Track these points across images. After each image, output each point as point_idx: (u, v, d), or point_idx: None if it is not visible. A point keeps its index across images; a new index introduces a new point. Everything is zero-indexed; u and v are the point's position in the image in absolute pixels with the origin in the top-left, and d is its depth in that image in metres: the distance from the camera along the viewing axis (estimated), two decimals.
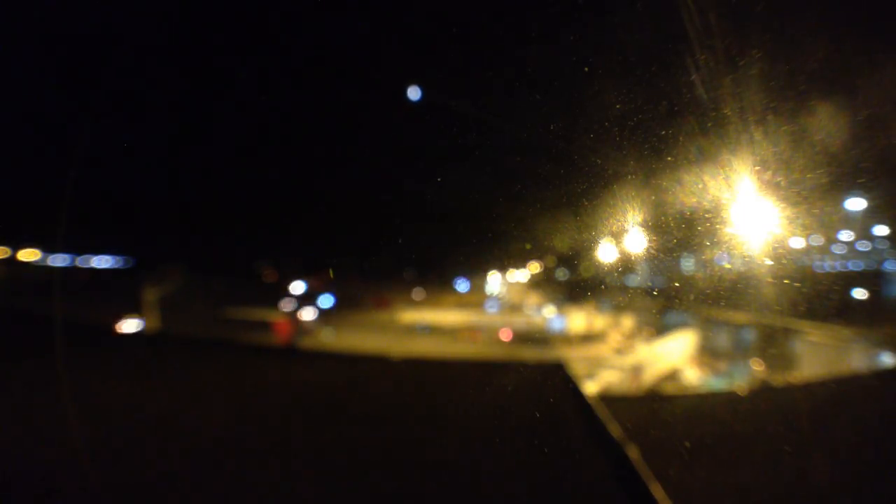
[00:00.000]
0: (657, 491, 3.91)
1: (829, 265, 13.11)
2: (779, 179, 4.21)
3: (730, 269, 5.58)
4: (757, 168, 4.23)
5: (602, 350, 19.61)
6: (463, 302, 24.59)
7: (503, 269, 22.49)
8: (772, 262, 4.82)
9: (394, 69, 6.86)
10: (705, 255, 5.19)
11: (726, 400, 8.14)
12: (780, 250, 4.66)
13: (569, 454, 5.04)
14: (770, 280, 5.19)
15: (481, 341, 19.81)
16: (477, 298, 25.42)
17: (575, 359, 15.27)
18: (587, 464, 4.87)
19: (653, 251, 4.88)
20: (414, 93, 6.33)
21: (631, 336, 19.96)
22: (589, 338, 20.70)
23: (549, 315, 22.81)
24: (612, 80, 4.55)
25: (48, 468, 4.19)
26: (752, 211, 4.30)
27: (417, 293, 22.85)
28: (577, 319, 21.02)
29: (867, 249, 13.48)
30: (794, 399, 6.74)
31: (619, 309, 20.29)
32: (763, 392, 8.88)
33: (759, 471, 4.52)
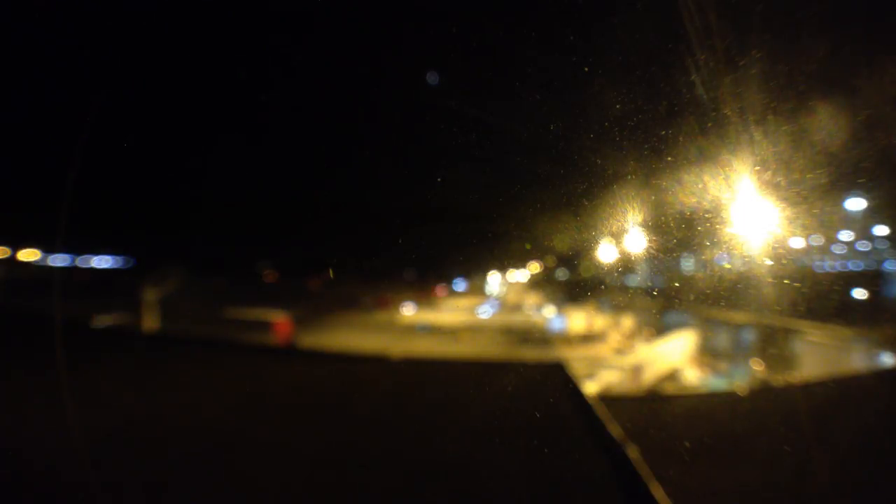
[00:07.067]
0: (657, 491, 3.90)
1: (829, 265, 13.13)
2: (779, 179, 4.21)
3: (730, 269, 5.59)
4: (757, 168, 4.23)
5: (602, 350, 19.61)
6: (463, 302, 24.62)
7: (503, 269, 22.53)
8: (772, 262, 4.82)
9: (393, 70, 6.86)
10: (705, 255, 5.19)
11: (726, 400, 8.13)
12: (780, 250, 4.66)
13: (569, 454, 5.04)
14: (770, 280, 5.19)
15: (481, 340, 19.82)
16: (478, 299, 25.43)
17: (575, 359, 15.26)
18: (587, 464, 4.86)
19: (653, 251, 4.88)
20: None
21: (631, 336, 19.97)
22: (589, 338, 20.71)
23: (549, 315, 22.82)
24: (612, 80, 4.55)
25: (48, 468, 4.19)
26: (752, 211, 4.30)
27: (412, 300, 22.91)
28: (577, 319, 21.04)
29: (867, 249, 13.49)
30: (794, 399, 6.73)
31: (619, 309, 20.30)
32: (763, 392, 8.88)
33: (759, 471, 4.52)
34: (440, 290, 24.46)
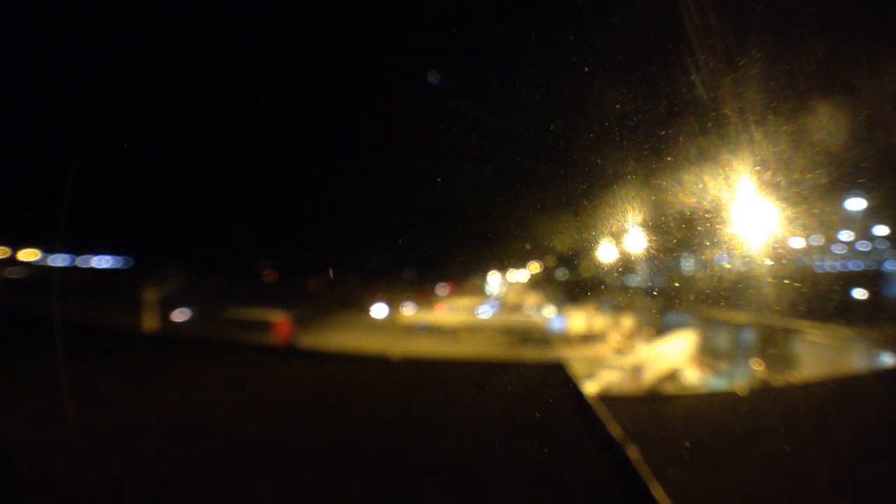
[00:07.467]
0: (657, 491, 3.90)
1: (829, 265, 13.12)
2: (779, 179, 4.21)
3: (730, 269, 5.59)
4: (757, 168, 4.24)
5: (602, 350, 19.61)
6: (463, 302, 24.61)
7: (503, 269, 22.52)
8: (772, 262, 4.82)
9: (393, 69, 6.86)
10: (705, 255, 5.19)
11: (726, 400, 8.14)
12: (780, 250, 4.66)
13: (569, 454, 5.04)
14: (770, 280, 5.19)
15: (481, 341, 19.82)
16: (478, 299, 25.43)
17: (575, 359, 15.26)
18: (587, 464, 4.86)
19: (653, 251, 4.88)
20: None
21: (631, 336, 19.96)
22: (589, 338, 20.70)
23: (549, 315, 22.81)
24: (612, 80, 4.56)
25: (48, 468, 4.19)
26: (752, 211, 4.31)
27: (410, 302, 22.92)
28: (577, 319, 21.02)
29: (867, 249, 13.49)
30: (794, 399, 6.73)
31: (619, 309, 20.29)
32: (763, 392, 8.88)
33: (759, 471, 4.52)
34: (453, 286, 24.47)
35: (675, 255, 5.32)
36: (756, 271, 5.11)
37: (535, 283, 24.34)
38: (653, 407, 7.76)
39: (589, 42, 4.74)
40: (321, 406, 6.53)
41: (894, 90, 4.60)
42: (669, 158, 4.43)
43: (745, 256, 4.91)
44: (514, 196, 5.77)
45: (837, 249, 13.37)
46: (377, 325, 20.89)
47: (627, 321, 20.51)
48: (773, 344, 14.10)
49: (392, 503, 4.26)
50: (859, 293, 12.87)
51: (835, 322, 12.28)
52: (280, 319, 16.61)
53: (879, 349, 11.58)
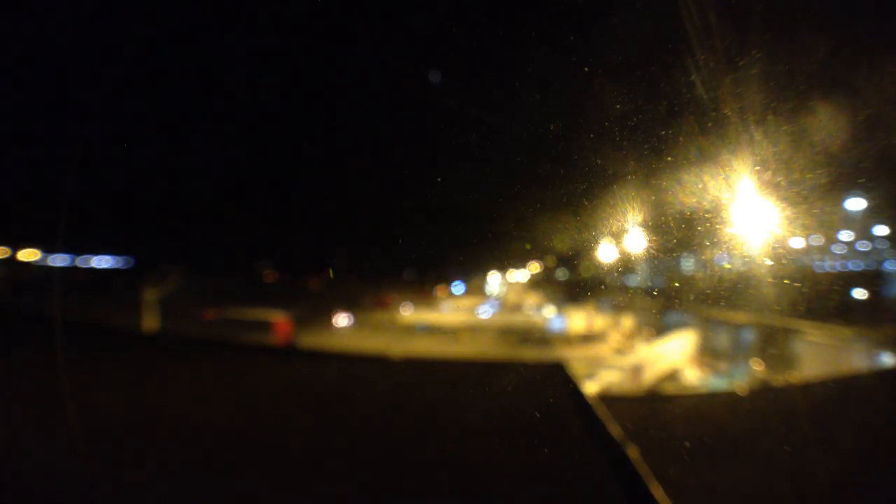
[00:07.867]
0: (657, 491, 3.90)
1: (829, 265, 13.13)
2: (779, 179, 4.22)
3: (730, 269, 5.59)
4: (757, 168, 4.24)
5: (602, 350, 19.62)
6: (463, 302, 24.63)
7: (503, 269, 22.54)
8: (772, 262, 4.82)
9: (394, 69, 6.86)
10: (705, 255, 5.20)
11: (726, 400, 8.13)
12: (780, 250, 4.66)
13: (569, 454, 5.04)
14: (770, 280, 5.19)
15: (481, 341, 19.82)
16: (478, 299, 25.45)
17: (575, 359, 15.27)
18: (587, 464, 4.86)
19: (653, 251, 4.89)
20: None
21: (631, 336, 19.97)
22: (589, 338, 20.71)
23: (549, 315, 22.82)
24: (612, 80, 4.56)
25: (48, 468, 4.19)
26: (752, 211, 4.31)
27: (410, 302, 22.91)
28: (577, 319, 21.03)
29: (867, 249, 13.50)
30: (794, 399, 6.73)
31: (619, 309, 20.31)
32: (763, 392, 8.88)
33: (759, 471, 4.52)
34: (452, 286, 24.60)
35: (675, 255, 5.32)
36: (756, 271, 5.11)
37: (535, 283, 24.35)
38: (653, 407, 7.75)
39: (589, 42, 4.75)
40: (321, 406, 6.52)
41: (894, 90, 4.60)
42: (669, 158, 4.43)
43: (745, 256, 4.92)
44: (514, 196, 5.78)
45: (837, 249, 13.39)
46: (377, 325, 20.90)
47: (627, 321, 20.52)
48: (773, 344, 14.11)
49: (392, 503, 4.26)
50: (859, 293, 12.89)
51: (835, 322, 12.29)
52: (280, 319, 16.62)
53: (879, 349, 11.59)
